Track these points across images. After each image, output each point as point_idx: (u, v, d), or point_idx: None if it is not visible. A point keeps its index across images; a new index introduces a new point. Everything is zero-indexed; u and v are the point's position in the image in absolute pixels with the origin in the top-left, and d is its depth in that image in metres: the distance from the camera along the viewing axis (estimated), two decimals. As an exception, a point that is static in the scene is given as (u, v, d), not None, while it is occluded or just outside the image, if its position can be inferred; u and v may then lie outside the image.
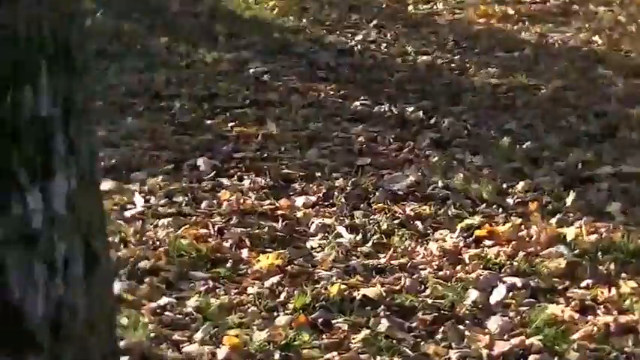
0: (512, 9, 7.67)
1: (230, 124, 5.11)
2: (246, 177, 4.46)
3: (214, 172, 4.51)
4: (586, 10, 7.78)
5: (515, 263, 3.71)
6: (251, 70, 6.01)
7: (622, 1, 8.00)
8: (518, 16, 7.52)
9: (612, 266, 3.69)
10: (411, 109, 5.36)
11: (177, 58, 6.23)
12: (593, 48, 6.69)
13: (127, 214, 4.10)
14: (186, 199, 4.22)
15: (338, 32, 6.95)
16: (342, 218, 4.08)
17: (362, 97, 5.57)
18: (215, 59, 6.20)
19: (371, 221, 4.04)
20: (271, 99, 5.50)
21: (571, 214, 4.14)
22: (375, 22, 7.20)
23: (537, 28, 7.17)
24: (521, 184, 4.40)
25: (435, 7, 7.79)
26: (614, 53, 6.56)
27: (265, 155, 4.71)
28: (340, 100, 5.55)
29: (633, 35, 7.02)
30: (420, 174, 4.50)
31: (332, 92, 5.67)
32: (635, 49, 6.65)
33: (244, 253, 3.77)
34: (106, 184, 4.36)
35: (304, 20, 7.21)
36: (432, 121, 5.21)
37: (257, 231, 3.92)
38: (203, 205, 4.19)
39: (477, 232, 3.95)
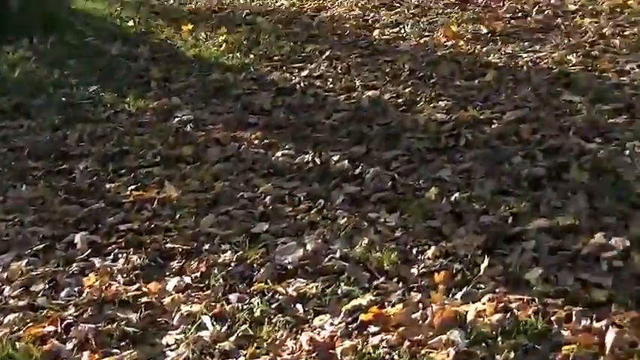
0: (487, 27, 7.06)
1: (130, 188, 4.60)
2: (121, 255, 3.96)
3: (90, 249, 4.02)
4: (570, 23, 7.16)
5: (395, 357, 3.16)
6: (176, 120, 5.49)
7: (612, 10, 7.37)
8: (491, 35, 6.91)
9: (511, 355, 3.12)
10: (337, 157, 4.81)
11: (102, 109, 5.73)
12: (565, 69, 6.05)
13: (-26, 309, 3.63)
14: (46, 287, 3.74)
15: (284, 68, 6.38)
16: (213, 304, 3.56)
17: (287, 146, 5.02)
18: (140, 108, 5.69)
19: (245, 307, 3.51)
20: (184, 154, 4.97)
21: (482, 286, 3.57)
22: (328, 52, 6.61)
23: (509, 49, 6.56)
24: (432, 249, 3.84)
25: (402, 31, 7.18)
26: (587, 74, 5.91)
27: (153, 226, 4.21)
28: (262, 151, 5.00)
29: (615, 50, 6.40)
30: (320, 241, 3.96)
31: (257, 141, 5.13)
32: (612, 67, 6.02)
33: (84, 356, 3.27)
34: (-37, 272, 3.92)
35: (251, 56, 6.64)
36: (357, 171, 4.65)
37: (108, 327, 3.42)
38: (63, 293, 3.71)
39: (363, 317, 3.40)
